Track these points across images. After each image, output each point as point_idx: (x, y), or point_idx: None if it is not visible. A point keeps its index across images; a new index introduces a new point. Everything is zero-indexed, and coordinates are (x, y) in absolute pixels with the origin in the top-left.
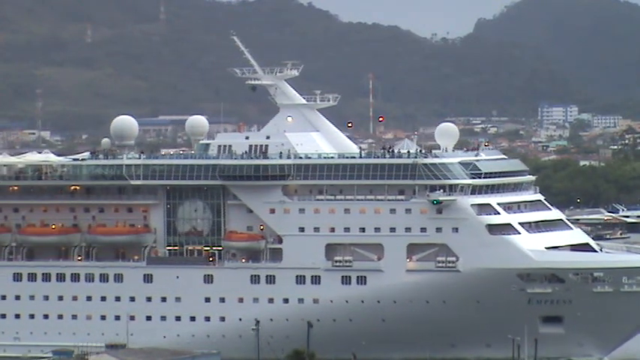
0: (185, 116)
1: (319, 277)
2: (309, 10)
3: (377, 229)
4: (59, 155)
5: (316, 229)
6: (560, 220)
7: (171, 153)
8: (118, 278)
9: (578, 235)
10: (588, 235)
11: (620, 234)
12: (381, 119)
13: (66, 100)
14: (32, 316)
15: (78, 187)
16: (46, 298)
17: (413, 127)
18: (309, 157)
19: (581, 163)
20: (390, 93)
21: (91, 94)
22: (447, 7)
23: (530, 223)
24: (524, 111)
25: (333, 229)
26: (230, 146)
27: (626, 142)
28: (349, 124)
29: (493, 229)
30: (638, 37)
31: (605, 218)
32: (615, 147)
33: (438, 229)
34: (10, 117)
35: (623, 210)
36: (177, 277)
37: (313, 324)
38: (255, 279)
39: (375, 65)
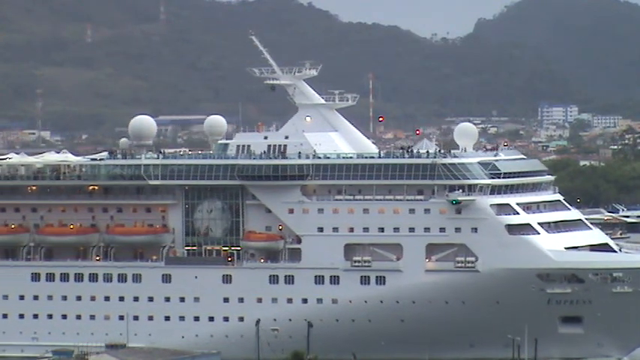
0: (185, 116)
1: (338, 277)
2: (309, 10)
3: (396, 229)
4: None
5: (335, 229)
6: (580, 220)
7: (190, 153)
8: (137, 278)
9: (597, 236)
10: None
11: (620, 234)
12: (381, 119)
13: (66, 100)
14: (50, 316)
15: (96, 187)
16: (65, 298)
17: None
18: (328, 157)
19: (581, 163)
20: (390, 93)
21: (91, 94)
22: (447, 7)
23: (549, 223)
24: (524, 111)
25: (352, 229)
26: (249, 146)
27: (626, 142)
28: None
29: (512, 229)
30: (638, 37)
31: (605, 218)
32: (615, 147)
33: (457, 229)
34: (10, 117)
35: (623, 210)
36: (196, 277)
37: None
38: (273, 279)
39: (375, 65)
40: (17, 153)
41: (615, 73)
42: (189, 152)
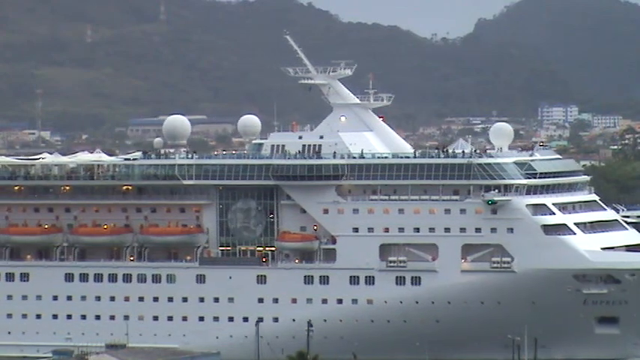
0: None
1: (373, 277)
2: (309, 10)
3: (431, 230)
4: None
5: (370, 230)
6: (615, 220)
7: (224, 152)
8: (171, 279)
9: (633, 236)
10: None
11: None
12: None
13: (66, 100)
14: (84, 317)
15: (130, 187)
16: (98, 298)
17: (413, 127)
18: (363, 157)
19: (581, 163)
20: (390, 93)
21: (91, 94)
22: (447, 7)
23: (585, 223)
24: (524, 111)
25: (387, 230)
26: (283, 146)
27: (626, 142)
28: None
29: (548, 229)
30: (638, 37)
31: None
32: (615, 147)
33: (493, 230)
34: (10, 117)
35: (623, 210)
36: (230, 277)
37: (373, 322)
38: (308, 279)
39: (375, 65)
40: (50, 153)
41: (615, 73)
42: (224, 152)
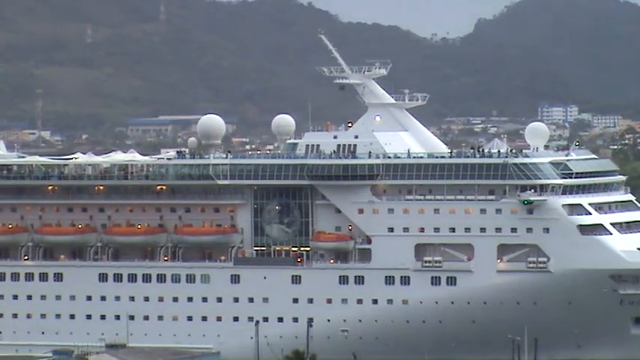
0: (185, 116)
1: (408, 277)
2: (309, 10)
3: (467, 230)
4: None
5: (405, 230)
6: None
7: (258, 152)
8: (205, 279)
9: None
10: None
11: None
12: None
13: (66, 100)
14: (118, 317)
15: (164, 187)
16: (132, 299)
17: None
18: (399, 157)
19: None
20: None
21: (91, 94)
22: (447, 7)
23: (621, 223)
24: (524, 111)
25: (422, 230)
26: (318, 145)
27: (626, 142)
28: (349, 124)
29: (584, 229)
30: (638, 37)
31: None
32: (615, 147)
33: (529, 230)
34: (10, 117)
35: None
36: (265, 277)
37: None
38: (343, 280)
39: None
40: (84, 153)
41: (615, 73)
42: (258, 152)
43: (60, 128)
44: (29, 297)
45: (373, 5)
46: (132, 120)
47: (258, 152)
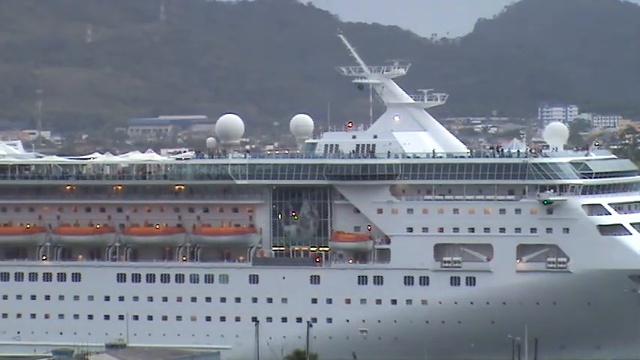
0: (185, 116)
1: (428, 277)
2: (309, 10)
3: (486, 230)
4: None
5: (425, 230)
6: None
7: (277, 152)
8: (224, 279)
9: None
10: None
11: None
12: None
13: (66, 100)
14: (136, 317)
15: (182, 187)
16: (150, 299)
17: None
18: (418, 157)
19: None
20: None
21: (91, 94)
22: (447, 7)
23: None
24: (524, 111)
25: (441, 230)
26: (337, 145)
27: (626, 142)
28: (349, 124)
29: (604, 229)
30: (638, 37)
31: None
32: (615, 147)
33: (549, 230)
34: (10, 117)
35: None
36: (284, 277)
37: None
38: (362, 280)
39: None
40: (102, 153)
41: (615, 73)
42: (277, 152)
43: (60, 128)
44: (47, 297)
45: (373, 5)
46: (132, 120)
47: (277, 152)
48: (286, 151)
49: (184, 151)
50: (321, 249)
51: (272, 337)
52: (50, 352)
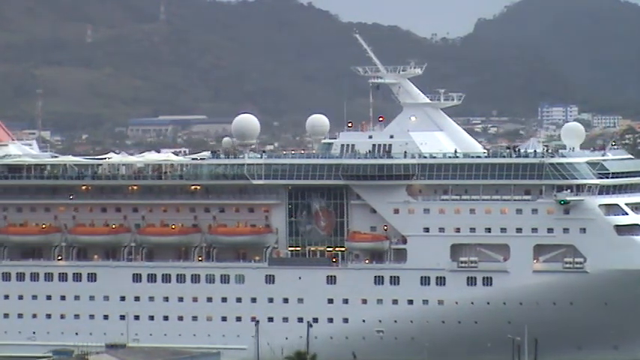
0: (185, 116)
1: (444, 278)
2: (309, 10)
3: (503, 230)
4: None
5: (441, 230)
6: None
7: (293, 152)
8: (240, 279)
9: None
10: None
11: None
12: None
13: (66, 100)
14: (152, 318)
15: (198, 187)
16: (166, 299)
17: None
18: (434, 157)
19: None
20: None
21: (91, 94)
22: (447, 7)
23: None
24: (524, 111)
25: (458, 230)
26: (353, 145)
27: (626, 142)
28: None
29: (621, 229)
30: (638, 37)
31: None
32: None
33: (565, 230)
34: (10, 117)
35: None
36: (300, 278)
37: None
38: (378, 280)
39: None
40: (117, 153)
41: (615, 73)
42: (293, 152)
43: (60, 128)
44: (63, 297)
45: (373, 5)
46: (132, 120)
47: (293, 152)
48: (302, 151)
49: (184, 152)
50: (337, 249)
51: (288, 337)
52: (50, 352)
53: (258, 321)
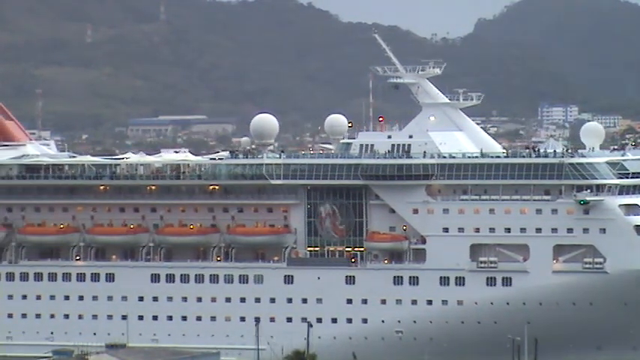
0: (185, 116)
1: (463, 278)
2: (309, 10)
3: (522, 230)
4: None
5: (460, 230)
6: None
7: (311, 152)
8: (258, 279)
9: None
10: None
11: None
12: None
13: (66, 100)
14: (170, 318)
15: (217, 187)
16: (185, 299)
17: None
18: (453, 157)
19: None
20: (390, 93)
21: (91, 94)
22: (447, 7)
23: None
24: (524, 111)
25: (477, 230)
26: (372, 145)
27: (626, 142)
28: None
29: None
30: (638, 37)
31: None
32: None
33: (585, 230)
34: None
35: None
36: (319, 278)
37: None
38: (398, 280)
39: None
40: (135, 153)
41: (615, 73)
42: (311, 152)
43: (60, 128)
44: (81, 297)
45: (373, 5)
46: (132, 120)
47: (312, 152)
48: (321, 151)
49: (184, 152)
50: (356, 249)
51: (305, 337)
52: (50, 352)
53: (258, 320)
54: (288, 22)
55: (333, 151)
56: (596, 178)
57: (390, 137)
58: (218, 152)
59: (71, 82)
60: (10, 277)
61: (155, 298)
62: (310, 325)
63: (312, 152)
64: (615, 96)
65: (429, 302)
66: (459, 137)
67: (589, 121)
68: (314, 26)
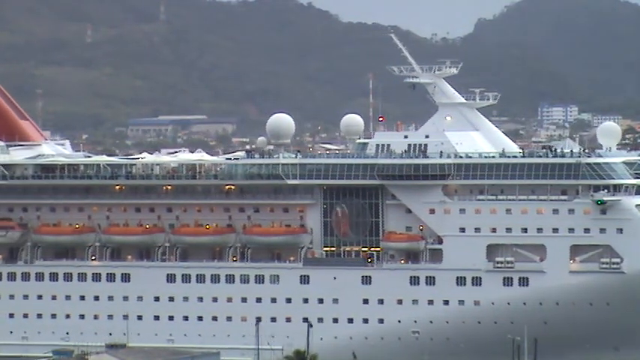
0: (185, 116)
1: (480, 278)
2: (309, 10)
3: (539, 230)
4: None
5: (477, 230)
6: None
7: (327, 152)
8: (274, 280)
9: None
10: None
11: None
12: (381, 119)
13: (66, 100)
14: (186, 318)
15: (233, 187)
16: (201, 299)
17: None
18: (470, 157)
19: None
20: (390, 93)
21: (91, 94)
22: (447, 7)
23: None
24: (524, 111)
25: (494, 230)
26: (388, 145)
27: (626, 142)
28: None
29: None
30: (638, 37)
31: None
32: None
33: (602, 230)
34: None
35: None
36: (335, 278)
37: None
38: (414, 280)
39: (375, 65)
40: (150, 153)
41: (615, 73)
42: (327, 152)
43: (60, 128)
44: (96, 298)
45: (373, 5)
46: (132, 120)
47: (328, 152)
48: (337, 151)
49: (184, 152)
50: (372, 249)
51: (322, 337)
52: (50, 352)
53: (259, 320)
54: (288, 22)
55: (348, 151)
56: (613, 178)
57: (406, 137)
58: (235, 152)
59: (71, 82)
60: (25, 277)
61: (171, 299)
62: (310, 326)
63: (328, 152)
64: (615, 96)
65: (446, 302)
66: (476, 137)
67: (589, 121)
68: (314, 26)
